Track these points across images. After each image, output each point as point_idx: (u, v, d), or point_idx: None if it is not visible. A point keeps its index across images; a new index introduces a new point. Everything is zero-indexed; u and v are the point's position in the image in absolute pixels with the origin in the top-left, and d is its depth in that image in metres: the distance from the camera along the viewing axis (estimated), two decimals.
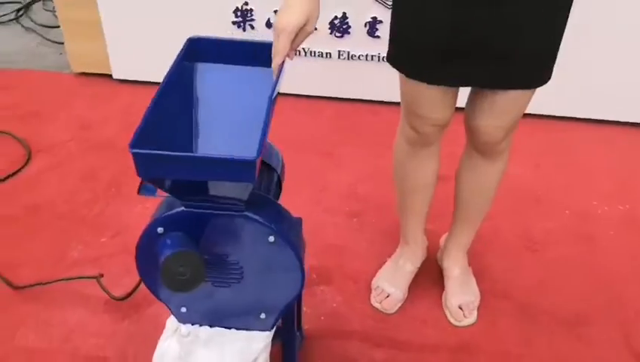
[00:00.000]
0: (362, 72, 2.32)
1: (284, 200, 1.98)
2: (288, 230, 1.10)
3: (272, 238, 1.06)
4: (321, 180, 2.11)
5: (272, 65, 1.09)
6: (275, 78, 1.08)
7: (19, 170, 2.15)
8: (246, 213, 1.04)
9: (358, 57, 2.30)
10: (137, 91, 2.45)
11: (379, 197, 2.01)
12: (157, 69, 2.43)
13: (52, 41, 2.81)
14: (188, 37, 1.15)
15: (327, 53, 2.31)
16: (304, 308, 1.67)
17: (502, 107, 1.37)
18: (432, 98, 1.37)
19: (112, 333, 1.63)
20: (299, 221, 1.31)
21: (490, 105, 1.37)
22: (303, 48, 2.31)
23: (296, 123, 2.36)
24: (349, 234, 1.91)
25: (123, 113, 2.40)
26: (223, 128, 1.12)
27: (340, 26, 2.23)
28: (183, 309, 1.21)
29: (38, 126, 2.34)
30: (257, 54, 1.13)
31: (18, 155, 2.20)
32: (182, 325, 1.24)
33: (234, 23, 2.29)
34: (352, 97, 2.43)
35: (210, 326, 1.24)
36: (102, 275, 1.72)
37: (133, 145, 0.89)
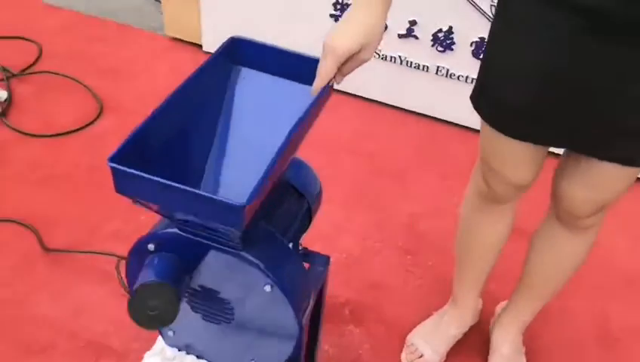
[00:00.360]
0: (459, 94, 2.07)
1: (333, 218, 1.82)
2: (292, 281, 0.93)
3: (268, 288, 0.90)
4: (383, 204, 1.91)
5: (313, 87, 0.91)
6: (310, 102, 0.90)
7: (87, 125, 2.11)
8: (243, 252, 0.89)
9: (458, 77, 2.06)
10: None
11: (441, 238, 1.79)
12: None
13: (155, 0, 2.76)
14: (231, 36, 1.00)
15: (424, 66, 2.09)
16: (325, 347, 1.50)
17: (597, 179, 1.12)
18: (512, 154, 1.15)
19: (124, 322, 1.53)
20: (323, 260, 1.14)
21: (583, 173, 1.13)
22: (399, 55, 2.10)
23: (373, 134, 2.17)
24: (397, 272, 1.71)
25: None
26: (243, 147, 0.96)
27: (443, 40, 2.01)
28: (170, 333, 1.08)
29: (118, 83, 2.29)
30: (302, 69, 0.96)
31: (91, 109, 2.17)
32: (168, 347, 1.11)
33: (332, 15, 2.12)
34: (442, 118, 2.20)
35: (198, 357, 1.10)
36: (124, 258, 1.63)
37: (113, 158, 0.75)
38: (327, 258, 1.16)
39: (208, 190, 0.95)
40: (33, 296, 1.59)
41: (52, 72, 2.28)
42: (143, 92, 2.26)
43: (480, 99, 1.16)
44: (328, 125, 2.20)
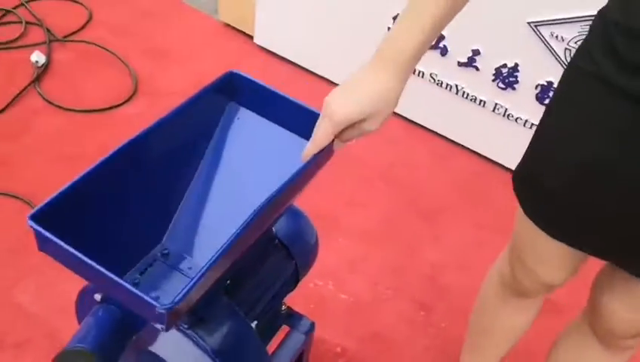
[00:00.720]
0: (515, 137, 1.88)
1: (349, 252, 1.67)
2: None
3: None
4: (406, 245, 1.75)
5: (304, 151, 0.77)
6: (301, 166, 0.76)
7: (118, 105, 2.03)
8: (190, 331, 0.76)
9: (516, 119, 1.86)
10: (271, 65, 2.21)
11: (463, 296, 1.60)
12: (299, 51, 2.19)
13: None
14: (230, 70, 0.86)
15: (481, 101, 1.90)
16: None
17: None
18: (548, 252, 0.98)
19: None
20: (307, 326, 1.01)
21: (628, 290, 0.95)
22: (456, 85, 1.91)
23: (413, 162, 2.00)
24: (405, 328, 1.55)
25: None
26: (222, 201, 0.83)
27: (506, 77, 1.81)
28: None
29: (158, 64, 2.20)
30: (302, 122, 0.81)
31: (125, 88, 2.08)
32: None
33: (390, 29, 1.94)
34: (491, 158, 2.00)
35: None
36: None
37: (34, 215, 0.63)
38: (312, 324, 1.03)
39: (171, 247, 0.83)
40: (21, 284, 1.52)
41: (95, 44, 2.21)
42: (182, 77, 2.16)
43: (519, 177, 0.99)
44: (367, 145, 2.03)
